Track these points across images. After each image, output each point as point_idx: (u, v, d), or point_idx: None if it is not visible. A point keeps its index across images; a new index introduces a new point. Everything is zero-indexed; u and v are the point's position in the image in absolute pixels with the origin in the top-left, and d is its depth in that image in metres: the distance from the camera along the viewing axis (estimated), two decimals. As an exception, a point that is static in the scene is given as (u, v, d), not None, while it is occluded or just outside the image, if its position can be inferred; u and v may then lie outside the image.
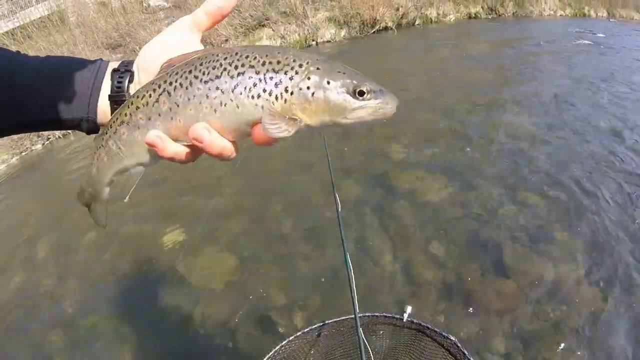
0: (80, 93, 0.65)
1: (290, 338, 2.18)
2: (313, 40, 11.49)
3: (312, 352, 2.27)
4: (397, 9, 11.62)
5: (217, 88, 0.55)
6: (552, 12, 13.23)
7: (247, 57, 0.55)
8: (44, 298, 4.28)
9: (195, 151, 0.60)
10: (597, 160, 4.92)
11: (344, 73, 0.56)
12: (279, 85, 0.54)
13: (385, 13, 11.38)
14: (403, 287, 3.75)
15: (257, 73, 0.54)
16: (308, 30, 11.37)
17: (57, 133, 8.18)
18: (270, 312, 3.63)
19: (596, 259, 3.68)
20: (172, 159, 0.60)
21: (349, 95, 0.55)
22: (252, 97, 0.54)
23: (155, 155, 0.60)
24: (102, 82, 0.66)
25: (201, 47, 0.65)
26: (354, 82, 0.55)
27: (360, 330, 1.79)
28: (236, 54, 0.56)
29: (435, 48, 10.40)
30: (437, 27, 12.27)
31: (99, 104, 0.66)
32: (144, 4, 12.82)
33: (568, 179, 4.67)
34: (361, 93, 0.55)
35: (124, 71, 0.66)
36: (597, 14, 13.34)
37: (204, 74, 0.56)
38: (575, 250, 3.78)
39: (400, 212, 4.58)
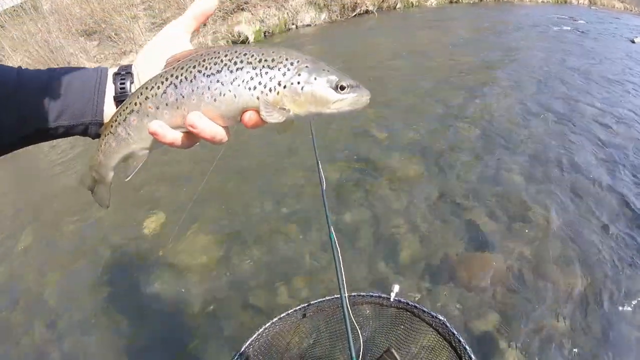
0: (88, 98, 0.70)
1: (274, 320, 2.09)
2: (293, 24, 11.24)
3: (297, 333, 2.19)
4: (378, -8, 11.47)
5: (218, 81, 0.62)
6: (533, -2, 13.31)
7: (245, 54, 0.63)
8: (26, 284, 4.16)
9: (191, 138, 0.67)
10: (579, 139, 4.98)
11: (328, 71, 0.64)
12: (273, 80, 0.62)
13: (366, -4, 11.22)
14: (388, 266, 3.72)
15: (254, 68, 0.62)
16: (288, 13, 11.10)
17: None
18: (255, 292, 3.58)
19: (576, 239, 3.72)
20: (171, 145, 0.66)
21: (331, 90, 0.64)
22: (249, 88, 0.62)
23: (157, 142, 0.67)
24: (105, 86, 0.71)
25: (191, 46, 0.72)
26: (336, 78, 0.64)
27: (347, 309, 1.71)
28: (235, 52, 0.63)
29: (416, 31, 10.32)
30: (419, 11, 12.19)
31: (105, 107, 0.71)
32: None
33: (550, 158, 4.71)
34: (342, 87, 0.64)
35: (125, 74, 0.71)
36: (578, 1, 13.50)
37: (206, 68, 0.63)
38: (557, 230, 3.81)
39: (383, 191, 4.54)
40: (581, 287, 3.31)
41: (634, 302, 3.20)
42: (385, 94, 6.48)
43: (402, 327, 2.05)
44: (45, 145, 7.24)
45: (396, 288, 2.01)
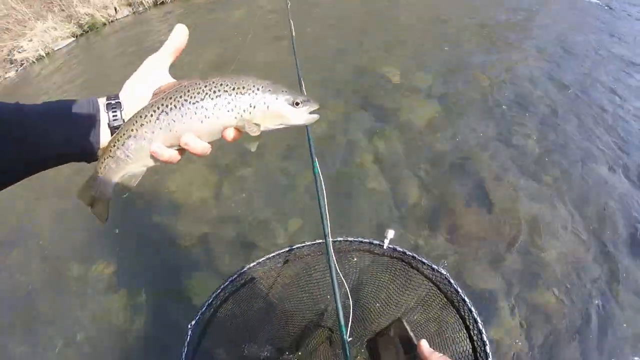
0: (87, 126, 0.77)
1: (252, 265, 1.76)
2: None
3: (278, 278, 1.87)
4: None
5: (202, 107, 0.75)
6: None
7: (220, 84, 0.76)
8: (17, 215, 4.09)
9: (182, 153, 0.78)
10: (594, 110, 4.49)
11: (286, 91, 0.78)
12: (245, 103, 0.76)
13: None
14: (385, 211, 3.44)
15: (230, 95, 0.76)
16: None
17: (31, 57, 7.56)
18: (246, 229, 3.48)
19: (579, 205, 3.46)
20: (168, 161, 0.77)
21: (290, 106, 0.78)
22: (228, 111, 0.76)
23: (156, 159, 0.78)
24: (99, 115, 0.78)
25: (170, 76, 0.81)
26: (292, 97, 0.78)
27: (332, 256, 1.36)
28: (212, 82, 0.76)
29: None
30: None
31: (101, 133, 0.78)
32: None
33: (563, 124, 4.32)
34: (297, 103, 0.78)
35: (115, 103, 0.78)
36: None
37: (192, 97, 0.75)
38: (560, 195, 3.55)
39: (389, 134, 4.17)
40: (585, 257, 3.11)
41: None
42: (405, 44, 5.92)
43: (395, 279, 1.73)
44: (41, 78, 7.02)
45: (390, 233, 1.65)
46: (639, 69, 5.19)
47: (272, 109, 0.77)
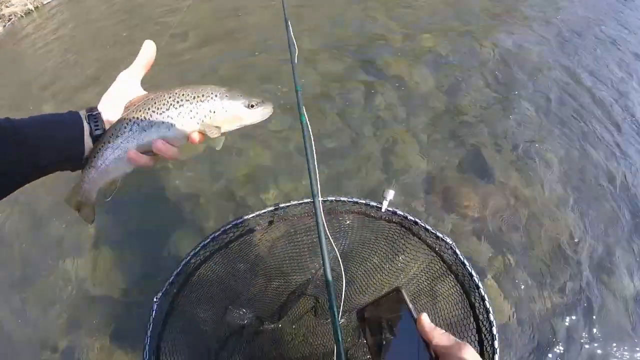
0: (74, 137, 0.81)
1: (227, 227, 1.52)
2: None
3: (260, 241, 1.65)
4: None
5: (169, 116, 0.83)
6: None
7: (183, 94, 0.84)
8: None
9: (156, 158, 0.86)
10: (601, 93, 4.19)
11: (241, 95, 0.86)
12: (205, 109, 0.84)
13: None
14: (381, 173, 3.23)
15: (192, 104, 0.84)
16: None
17: (19, 12, 7.06)
18: (237, 185, 3.28)
19: (576, 183, 3.27)
20: (143, 166, 0.85)
21: (246, 108, 0.86)
22: (191, 117, 0.84)
23: (132, 165, 0.86)
24: (83, 125, 0.82)
25: (142, 90, 0.90)
26: (247, 100, 0.86)
27: (322, 217, 1.14)
28: (175, 94, 0.84)
29: None
30: None
31: (85, 141, 0.83)
32: None
33: (568, 105, 4.03)
34: (252, 106, 0.86)
35: (96, 114, 0.84)
36: None
37: (158, 108, 0.83)
38: (560, 169, 3.36)
39: (388, 95, 3.90)
40: (573, 235, 2.95)
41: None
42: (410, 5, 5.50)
43: (394, 248, 1.52)
44: (28, 32, 6.55)
45: (390, 194, 1.42)
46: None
47: (230, 113, 0.85)
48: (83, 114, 0.84)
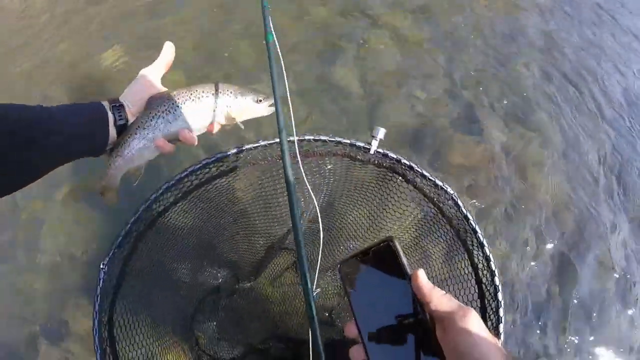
0: (100, 125, 0.87)
1: (183, 175, 1.25)
2: None
3: (226, 190, 1.40)
4: None
5: (192, 109, 0.95)
6: None
7: (203, 91, 0.95)
8: None
9: (175, 145, 0.95)
10: (607, 66, 3.73)
11: (251, 92, 0.99)
12: (223, 104, 0.96)
13: None
14: (369, 119, 2.98)
15: (210, 99, 0.95)
16: None
17: None
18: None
19: (569, 154, 3.01)
20: (168, 153, 0.94)
21: (255, 103, 0.99)
22: (212, 110, 0.96)
23: (157, 152, 0.95)
24: (108, 116, 0.88)
25: (161, 85, 0.97)
26: (256, 96, 0.99)
27: (287, 156, 0.89)
28: (196, 90, 0.95)
29: None
30: None
31: (110, 131, 0.89)
32: None
33: (565, 62, 3.67)
34: (260, 101, 0.99)
35: (119, 105, 0.90)
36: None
37: (182, 102, 0.94)
38: (554, 134, 3.09)
39: (381, 48, 3.54)
40: (562, 203, 2.75)
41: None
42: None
43: (384, 197, 1.27)
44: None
45: (381, 132, 1.15)
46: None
47: (243, 107, 0.98)
48: (106, 104, 0.89)
